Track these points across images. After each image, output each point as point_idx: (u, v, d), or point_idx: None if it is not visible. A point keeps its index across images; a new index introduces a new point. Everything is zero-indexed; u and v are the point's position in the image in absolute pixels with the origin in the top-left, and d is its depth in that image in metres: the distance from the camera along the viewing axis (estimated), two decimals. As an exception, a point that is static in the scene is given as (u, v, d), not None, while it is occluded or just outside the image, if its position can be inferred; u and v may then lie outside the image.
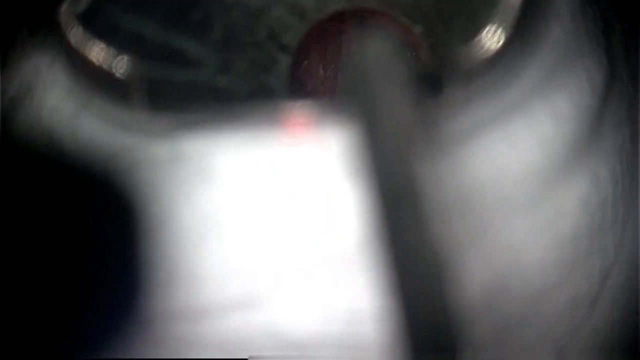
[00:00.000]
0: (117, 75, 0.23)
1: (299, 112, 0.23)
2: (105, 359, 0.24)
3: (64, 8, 0.23)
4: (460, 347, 0.19)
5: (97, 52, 0.23)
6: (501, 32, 0.23)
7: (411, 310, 0.19)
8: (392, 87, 0.19)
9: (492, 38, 0.23)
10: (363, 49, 0.19)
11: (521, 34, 0.23)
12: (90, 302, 0.24)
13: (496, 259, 0.23)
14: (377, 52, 0.19)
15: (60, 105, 0.25)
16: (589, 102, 0.25)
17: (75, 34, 0.23)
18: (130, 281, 0.24)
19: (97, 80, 0.23)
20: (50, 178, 0.24)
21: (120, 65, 0.23)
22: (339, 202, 0.23)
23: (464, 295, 0.23)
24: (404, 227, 0.18)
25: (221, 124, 0.23)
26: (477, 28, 0.23)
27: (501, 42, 0.23)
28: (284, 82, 0.30)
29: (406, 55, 0.21)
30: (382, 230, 0.19)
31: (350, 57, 0.20)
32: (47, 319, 0.24)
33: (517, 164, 0.23)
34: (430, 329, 0.19)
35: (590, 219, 0.25)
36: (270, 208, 0.23)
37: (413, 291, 0.19)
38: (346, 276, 0.23)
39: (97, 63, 0.23)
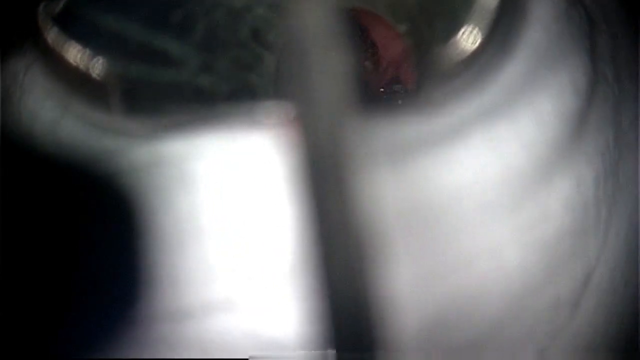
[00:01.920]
0: (96, 76, 0.23)
1: (283, 111, 0.23)
2: (94, 359, 0.24)
3: (41, 9, 0.23)
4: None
5: (76, 54, 0.23)
6: (477, 32, 0.23)
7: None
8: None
9: (468, 38, 0.23)
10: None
11: (499, 35, 0.23)
12: (74, 305, 0.24)
13: (477, 260, 0.23)
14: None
15: (40, 109, 0.24)
16: (572, 104, 0.25)
17: (53, 36, 0.23)
18: (112, 284, 0.23)
19: (76, 83, 0.23)
20: (31, 182, 0.24)
21: (99, 66, 0.23)
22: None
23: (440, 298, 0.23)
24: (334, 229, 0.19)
25: (203, 125, 0.23)
26: (456, 28, 0.23)
27: (478, 43, 0.23)
28: (268, 81, 0.30)
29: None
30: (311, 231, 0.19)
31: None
32: (35, 321, 0.24)
33: (499, 166, 0.23)
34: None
35: (572, 221, 0.25)
36: (250, 211, 0.23)
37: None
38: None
39: (75, 65, 0.23)
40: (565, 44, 0.25)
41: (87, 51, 0.23)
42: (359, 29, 0.32)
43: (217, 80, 0.27)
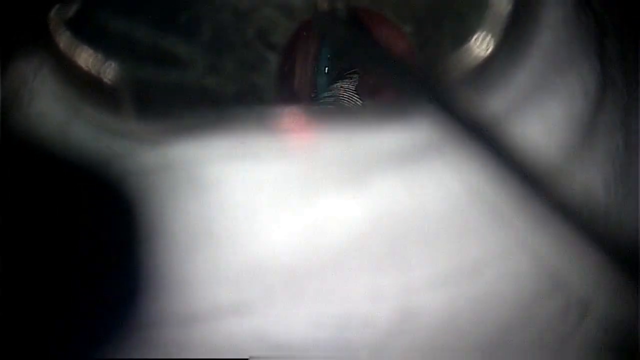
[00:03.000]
0: (106, 80, 0.23)
1: (288, 112, 0.23)
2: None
3: (52, 13, 0.23)
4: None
5: (86, 57, 0.23)
6: (490, 38, 0.23)
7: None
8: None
9: (480, 44, 0.23)
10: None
11: (510, 40, 0.23)
12: (82, 308, 0.24)
13: (486, 265, 0.23)
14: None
15: (50, 112, 0.24)
16: (582, 109, 0.25)
17: (64, 39, 0.23)
18: (122, 287, 0.23)
19: (86, 85, 0.23)
20: (41, 186, 0.24)
21: (109, 69, 0.23)
22: (328, 207, 0.23)
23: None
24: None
25: (211, 128, 0.23)
26: (467, 33, 0.23)
27: (490, 48, 0.23)
28: (273, 82, 0.30)
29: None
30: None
31: None
32: (39, 325, 0.24)
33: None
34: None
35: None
36: (258, 214, 0.23)
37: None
38: (337, 281, 0.23)
39: (86, 68, 0.23)
40: (575, 49, 0.25)
41: (98, 55, 0.23)
42: (364, 30, 0.32)
43: (223, 82, 0.27)
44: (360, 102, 0.35)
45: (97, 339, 0.24)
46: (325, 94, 0.36)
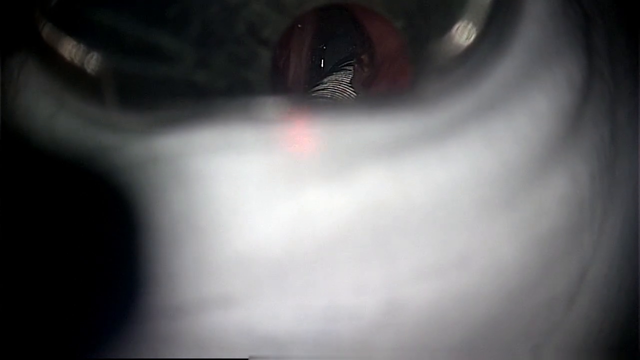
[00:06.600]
0: (91, 72, 0.23)
1: (277, 104, 0.23)
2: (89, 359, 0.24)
3: (35, 5, 0.23)
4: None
5: (71, 49, 0.23)
6: (472, 27, 0.23)
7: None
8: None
9: (463, 33, 0.23)
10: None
11: (494, 30, 0.23)
12: (67, 303, 0.24)
13: (472, 257, 0.23)
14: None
15: (35, 105, 0.24)
16: (568, 100, 0.24)
17: (48, 31, 0.23)
18: (107, 281, 0.23)
19: (72, 78, 0.23)
20: (26, 179, 0.24)
21: (95, 61, 0.23)
22: (314, 199, 0.23)
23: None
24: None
25: (199, 121, 0.23)
26: (451, 23, 0.23)
27: (472, 38, 0.23)
28: (264, 78, 0.30)
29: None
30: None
31: None
32: (28, 321, 0.24)
33: (494, 162, 0.23)
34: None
35: (568, 218, 0.25)
36: (245, 206, 0.23)
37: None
38: (323, 273, 0.23)
39: (70, 60, 0.23)
40: (561, 40, 0.25)
41: (82, 46, 0.23)
42: (355, 25, 0.32)
43: (213, 76, 0.27)
44: (354, 94, 0.35)
45: (84, 335, 0.24)
46: (319, 87, 0.36)
